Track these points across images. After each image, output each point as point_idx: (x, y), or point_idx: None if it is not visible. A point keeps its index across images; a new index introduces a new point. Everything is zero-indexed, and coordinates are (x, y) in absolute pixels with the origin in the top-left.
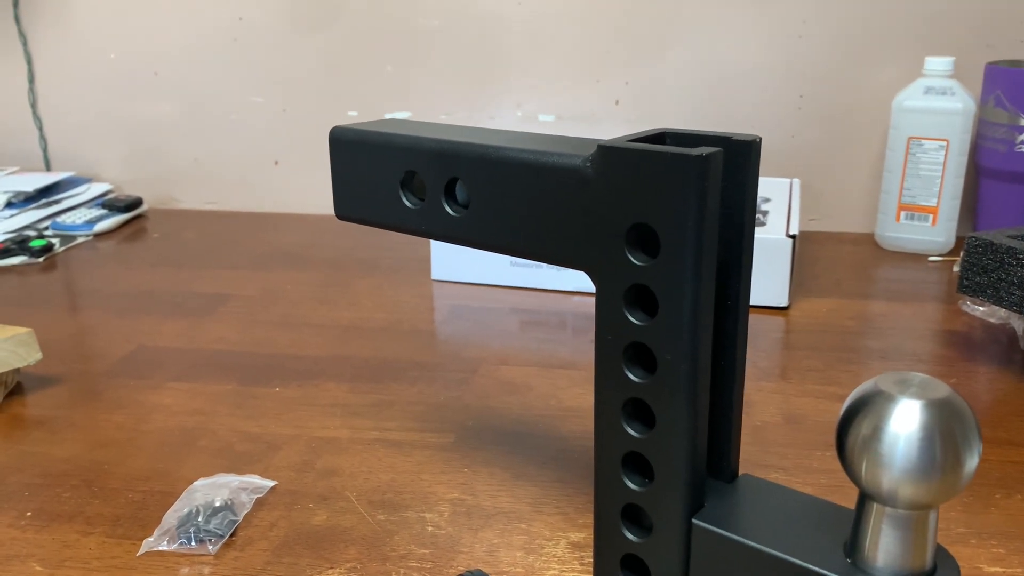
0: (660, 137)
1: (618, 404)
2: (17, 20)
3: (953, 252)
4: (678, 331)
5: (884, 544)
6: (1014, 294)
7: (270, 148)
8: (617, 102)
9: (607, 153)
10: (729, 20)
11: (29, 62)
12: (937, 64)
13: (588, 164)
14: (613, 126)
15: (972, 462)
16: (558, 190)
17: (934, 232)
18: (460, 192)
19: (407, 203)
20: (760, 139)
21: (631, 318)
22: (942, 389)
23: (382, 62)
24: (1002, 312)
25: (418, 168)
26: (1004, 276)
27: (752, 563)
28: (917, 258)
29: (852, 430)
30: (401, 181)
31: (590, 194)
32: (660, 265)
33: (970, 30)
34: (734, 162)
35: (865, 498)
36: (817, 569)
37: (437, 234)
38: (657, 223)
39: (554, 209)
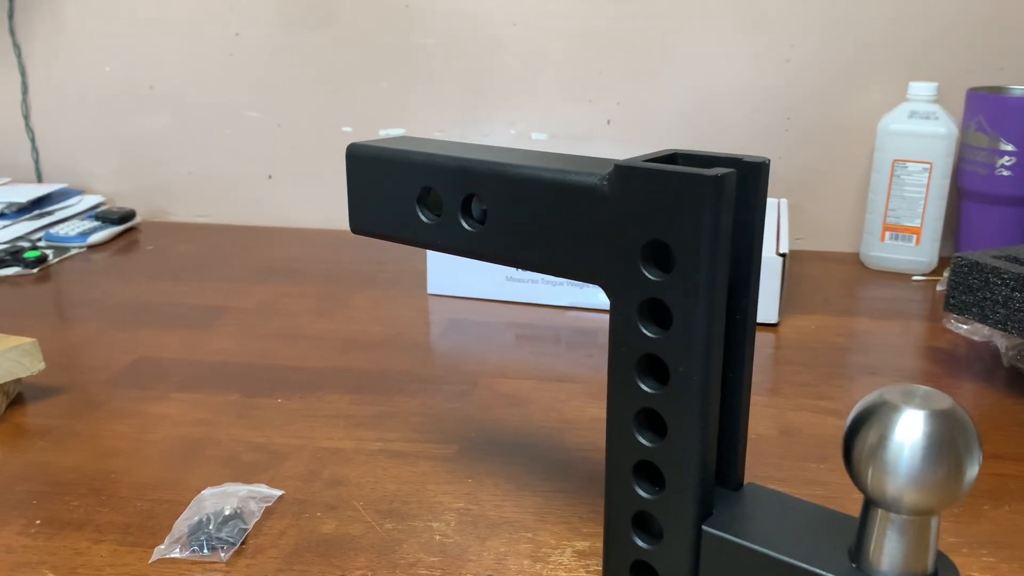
0: (672, 158)
1: (631, 414)
2: (12, 32)
3: (936, 272)
4: (691, 344)
5: (888, 549)
6: (999, 312)
7: (264, 162)
8: (609, 122)
9: (624, 172)
10: (718, 43)
11: (23, 74)
12: (921, 89)
13: (605, 183)
14: (605, 145)
15: (973, 470)
16: (574, 207)
17: (918, 252)
18: (476, 208)
19: (423, 218)
20: (769, 161)
21: (645, 331)
22: (945, 401)
23: (377, 78)
24: (986, 330)
25: (435, 184)
26: (989, 295)
27: (760, 568)
28: (901, 277)
29: (859, 439)
30: (417, 197)
31: (606, 211)
32: (674, 280)
33: (952, 57)
34: (744, 182)
35: (870, 504)
36: (824, 573)
37: (453, 249)
38: (672, 240)
39: (570, 225)
